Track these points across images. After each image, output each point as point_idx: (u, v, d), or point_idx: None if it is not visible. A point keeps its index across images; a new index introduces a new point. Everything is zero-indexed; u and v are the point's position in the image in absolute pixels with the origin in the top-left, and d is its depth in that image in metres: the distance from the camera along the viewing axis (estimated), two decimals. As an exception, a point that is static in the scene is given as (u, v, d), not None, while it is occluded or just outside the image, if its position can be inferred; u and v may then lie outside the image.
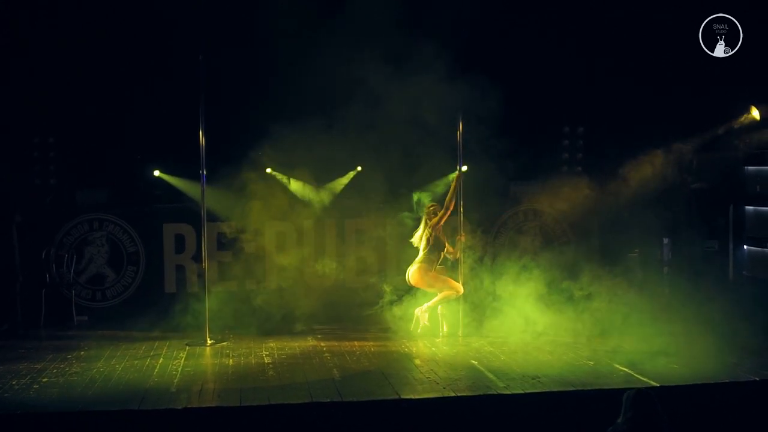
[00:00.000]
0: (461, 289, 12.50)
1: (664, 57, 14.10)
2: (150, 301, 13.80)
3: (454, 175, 12.64)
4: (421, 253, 12.40)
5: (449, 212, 12.34)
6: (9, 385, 9.95)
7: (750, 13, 13.30)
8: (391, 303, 13.08)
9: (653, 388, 9.42)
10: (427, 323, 12.49)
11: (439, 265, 12.47)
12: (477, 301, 12.96)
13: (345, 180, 14.23)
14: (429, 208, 12.51)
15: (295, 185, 13.91)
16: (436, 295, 12.44)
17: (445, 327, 12.60)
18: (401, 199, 13.61)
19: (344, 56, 12.98)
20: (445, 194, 12.59)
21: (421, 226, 12.48)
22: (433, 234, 12.33)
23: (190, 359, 11.32)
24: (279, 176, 13.76)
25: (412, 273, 12.39)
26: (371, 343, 12.22)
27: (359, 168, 14.05)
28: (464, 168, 12.65)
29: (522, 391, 9.49)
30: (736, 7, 13.26)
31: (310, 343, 12.35)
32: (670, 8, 13.88)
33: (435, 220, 12.31)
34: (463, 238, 12.60)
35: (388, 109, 12.88)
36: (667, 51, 14.06)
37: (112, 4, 13.82)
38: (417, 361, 11.09)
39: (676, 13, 13.82)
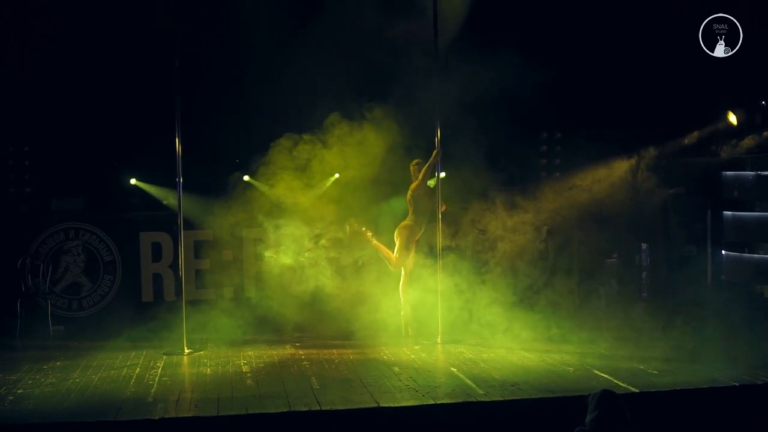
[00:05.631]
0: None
1: (643, 61, 14.11)
2: (127, 310, 13.68)
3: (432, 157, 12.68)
4: (410, 214, 12.79)
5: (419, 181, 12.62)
6: (-16, 396, 9.86)
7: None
8: (371, 310, 13.06)
9: (631, 392, 9.45)
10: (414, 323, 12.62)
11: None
12: (455, 307, 12.93)
13: (323, 187, 14.14)
14: (413, 164, 12.83)
15: (272, 192, 13.81)
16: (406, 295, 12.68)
17: (410, 331, 12.68)
18: (380, 206, 13.57)
19: (321, 60, 12.98)
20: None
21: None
22: (413, 195, 12.70)
23: (168, 369, 11.26)
24: (256, 183, 13.67)
25: (401, 227, 12.73)
26: (350, 350, 12.19)
27: (337, 175, 13.98)
28: (443, 174, 12.65)
29: (502, 398, 9.47)
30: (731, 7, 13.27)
31: (288, 351, 12.31)
32: (654, 14, 13.89)
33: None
34: (443, 208, 12.67)
35: (366, 116, 12.90)
36: (646, 55, 14.08)
37: (87, 11, 13.71)
38: (396, 369, 11.04)
39: (658, 19, 13.83)
